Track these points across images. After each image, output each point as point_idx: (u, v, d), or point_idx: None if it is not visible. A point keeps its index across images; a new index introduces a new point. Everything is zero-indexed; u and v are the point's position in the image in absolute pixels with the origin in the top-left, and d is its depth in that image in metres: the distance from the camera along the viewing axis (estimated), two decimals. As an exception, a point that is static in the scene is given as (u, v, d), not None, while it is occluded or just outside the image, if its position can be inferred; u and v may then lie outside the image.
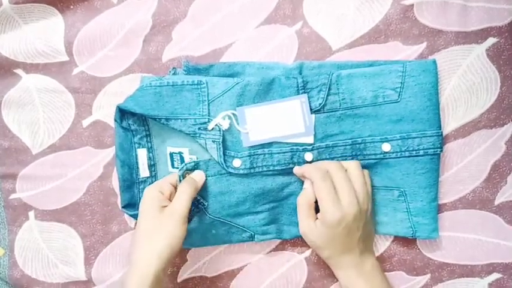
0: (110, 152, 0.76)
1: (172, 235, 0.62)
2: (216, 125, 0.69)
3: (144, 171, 0.72)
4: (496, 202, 0.72)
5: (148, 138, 0.72)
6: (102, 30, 0.74)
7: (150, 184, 0.72)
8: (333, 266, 0.69)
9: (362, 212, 0.66)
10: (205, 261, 0.76)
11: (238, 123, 0.70)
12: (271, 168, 0.70)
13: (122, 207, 0.72)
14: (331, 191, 0.65)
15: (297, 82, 0.69)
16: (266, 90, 0.70)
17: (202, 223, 0.72)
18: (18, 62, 0.75)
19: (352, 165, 0.68)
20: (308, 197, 0.68)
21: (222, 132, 0.69)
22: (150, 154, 0.73)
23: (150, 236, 0.62)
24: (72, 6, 0.74)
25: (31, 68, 0.75)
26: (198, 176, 0.69)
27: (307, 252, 0.75)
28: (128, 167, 0.72)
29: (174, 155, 0.72)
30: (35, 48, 0.75)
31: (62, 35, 0.75)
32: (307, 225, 0.67)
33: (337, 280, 0.70)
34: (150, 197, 0.65)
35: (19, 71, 0.76)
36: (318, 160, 0.70)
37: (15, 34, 0.75)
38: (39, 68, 0.75)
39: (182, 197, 0.64)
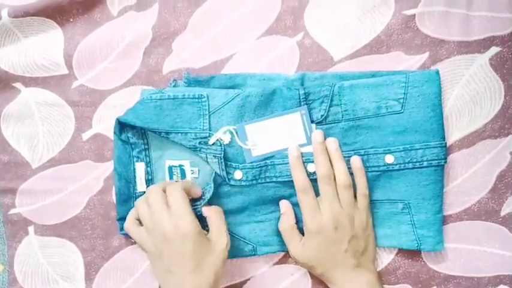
0: (110, 166, 0.75)
1: (221, 265, 0.64)
2: (217, 139, 0.68)
3: (141, 186, 0.71)
4: (502, 213, 0.71)
5: (147, 152, 0.71)
6: (102, 43, 0.74)
7: None
8: (328, 282, 0.70)
9: (345, 227, 0.67)
10: (207, 276, 0.75)
11: (239, 138, 0.69)
12: (273, 179, 0.70)
13: (117, 219, 0.72)
14: (313, 202, 0.68)
15: (299, 94, 0.69)
16: (267, 101, 0.69)
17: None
18: (17, 75, 0.74)
19: (342, 184, 0.68)
20: (287, 220, 0.70)
21: (223, 146, 0.69)
22: (148, 168, 0.72)
23: (199, 263, 0.62)
24: (71, 19, 0.74)
25: (30, 81, 0.75)
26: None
27: (311, 266, 0.74)
28: (125, 180, 0.71)
29: (173, 168, 0.71)
30: (34, 61, 0.74)
31: (61, 48, 0.74)
32: (294, 248, 0.70)
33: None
34: (194, 224, 0.62)
35: (18, 85, 0.75)
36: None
37: (14, 47, 0.74)
38: (39, 82, 0.75)
39: (223, 231, 0.65)
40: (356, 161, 0.69)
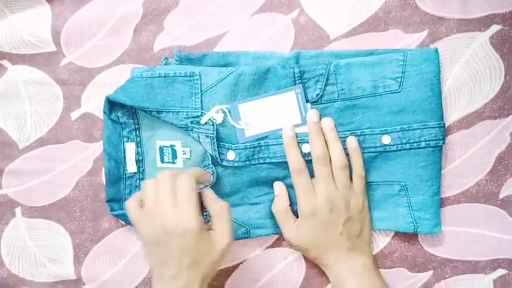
0: (99, 146, 0.73)
1: (218, 264, 0.60)
2: (210, 119, 0.66)
3: (131, 167, 0.70)
4: (501, 195, 0.70)
5: (137, 132, 0.69)
6: (91, 20, 0.72)
7: (137, 180, 0.71)
8: (322, 265, 0.69)
9: (340, 209, 0.66)
10: (199, 259, 0.73)
11: (232, 118, 0.67)
12: (267, 160, 0.68)
13: (106, 201, 0.70)
14: (307, 183, 0.66)
15: (294, 72, 0.67)
16: (261, 80, 0.67)
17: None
18: (4, 52, 0.72)
19: (337, 165, 0.66)
20: (281, 202, 0.69)
21: (215, 126, 0.67)
22: (139, 149, 0.70)
23: (197, 259, 0.58)
24: (59, -5, 0.72)
25: (17, 59, 0.73)
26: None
27: (305, 249, 0.73)
28: (115, 161, 0.69)
29: (164, 148, 0.69)
30: (21, 38, 0.72)
31: (49, 24, 0.72)
32: (288, 230, 0.68)
33: (334, 279, 0.69)
34: (197, 222, 0.58)
35: (5, 62, 0.73)
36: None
37: (0, 24, 0.72)
38: (26, 59, 0.73)
39: (226, 231, 0.60)
40: (352, 142, 0.67)
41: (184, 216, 0.57)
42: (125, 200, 0.70)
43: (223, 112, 0.67)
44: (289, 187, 0.69)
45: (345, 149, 0.67)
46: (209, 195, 0.62)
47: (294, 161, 0.67)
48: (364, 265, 0.67)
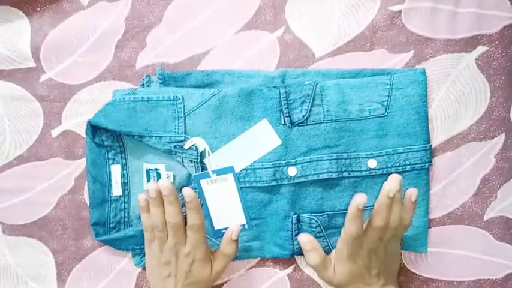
0: (81, 164, 0.71)
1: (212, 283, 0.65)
2: (193, 144, 0.65)
3: (116, 189, 0.69)
4: (486, 217, 0.70)
5: (123, 155, 0.68)
6: (72, 35, 0.70)
7: (122, 203, 0.70)
8: None
9: (379, 257, 0.63)
10: (183, 278, 0.73)
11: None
12: (253, 184, 0.67)
13: (91, 224, 0.69)
14: (357, 250, 0.62)
15: (279, 93, 0.66)
16: (246, 101, 0.67)
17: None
18: (-19, 68, 0.71)
19: (392, 227, 0.61)
20: (317, 255, 0.64)
21: (198, 151, 0.66)
22: (124, 171, 0.69)
23: (198, 280, 0.63)
24: (39, 9, 0.70)
25: (-5, 74, 0.71)
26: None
27: (290, 269, 0.72)
28: (100, 183, 0.68)
29: (150, 171, 0.68)
30: (-1, 53, 0.70)
31: (28, 39, 0.70)
32: (327, 276, 0.65)
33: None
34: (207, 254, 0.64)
35: (-18, 78, 0.71)
36: (302, 175, 0.67)
37: (-23, 38, 0.70)
38: (4, 75, 0.71)
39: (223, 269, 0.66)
40: (413, 195, 0.60)
41: (198, 250, 0.62)
42: (110, 223, 0.69)
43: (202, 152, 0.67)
44: (274, 214, 0.69)
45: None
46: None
47: (355, 231, 0.60)
48: None
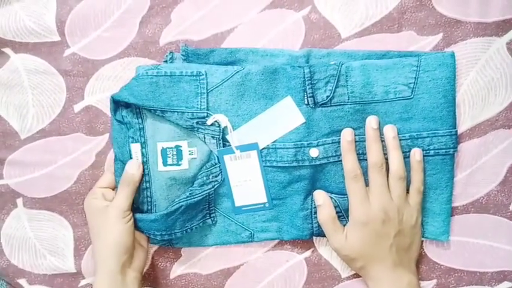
0: (102, 140, 0.71)
1: (117, 230, 0.64)
2: (215, 121, 0.65)
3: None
4: (511, 207, 0.68)
5: (142, 133, 0.67)
6: (97, 10, 0.70)
7: (144, 183, 0.68)
8: (365, 276, 0.67)
9: (393, 220, 0.63)
10: (200, 258, 0.72)
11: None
12: (274, 164, 0.66)
13: None
14: (362, 191, 0.64)
15: (304, 72, 0.65)
16: (270, 80, 0.65)
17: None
18: (7, 40, 0.71)
19: (396, 176, 0.64)
20: (327, 211, 0.66)
21: (221, 128, 0.65)
22: (143, 150, 0.67)
23: (98, 234, 0.65)
24: (65, -18, 0.70)
25: (20, 47, 0.71)
26: (134, 168, 0.66)
27: (308, 253, 0.71)
28: (122, 162, 0.68)
29: (168, 150, 0.67)
30: (25, 26, 0.70)
31: (53, 13, 0.70)
32: (337, 241, 0.65)
33: (338, 283, 0.69)
34: (88, 204, 0.68)
35: (7, 50, 0.71)
36: (324, 157, 0.66)
37: (4, 11, 0.70)
38: (29, 48, 0.71)
39: (120, 194, 0.66)
40: (417, 154, 0.65)
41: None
42: (133, 203, 0.68)
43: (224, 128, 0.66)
44: (295, 194, 0.68)
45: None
46: None
47: (350, 166, 0.65)
48: (410, 283, 0.65)
